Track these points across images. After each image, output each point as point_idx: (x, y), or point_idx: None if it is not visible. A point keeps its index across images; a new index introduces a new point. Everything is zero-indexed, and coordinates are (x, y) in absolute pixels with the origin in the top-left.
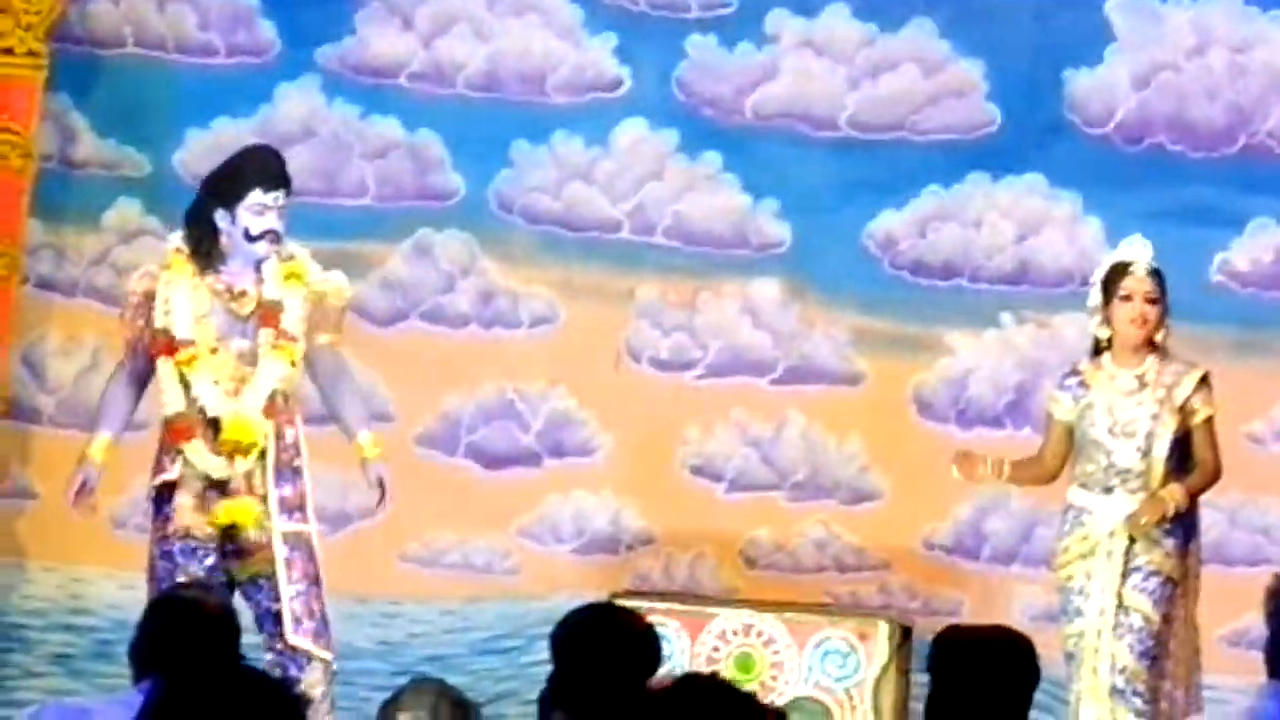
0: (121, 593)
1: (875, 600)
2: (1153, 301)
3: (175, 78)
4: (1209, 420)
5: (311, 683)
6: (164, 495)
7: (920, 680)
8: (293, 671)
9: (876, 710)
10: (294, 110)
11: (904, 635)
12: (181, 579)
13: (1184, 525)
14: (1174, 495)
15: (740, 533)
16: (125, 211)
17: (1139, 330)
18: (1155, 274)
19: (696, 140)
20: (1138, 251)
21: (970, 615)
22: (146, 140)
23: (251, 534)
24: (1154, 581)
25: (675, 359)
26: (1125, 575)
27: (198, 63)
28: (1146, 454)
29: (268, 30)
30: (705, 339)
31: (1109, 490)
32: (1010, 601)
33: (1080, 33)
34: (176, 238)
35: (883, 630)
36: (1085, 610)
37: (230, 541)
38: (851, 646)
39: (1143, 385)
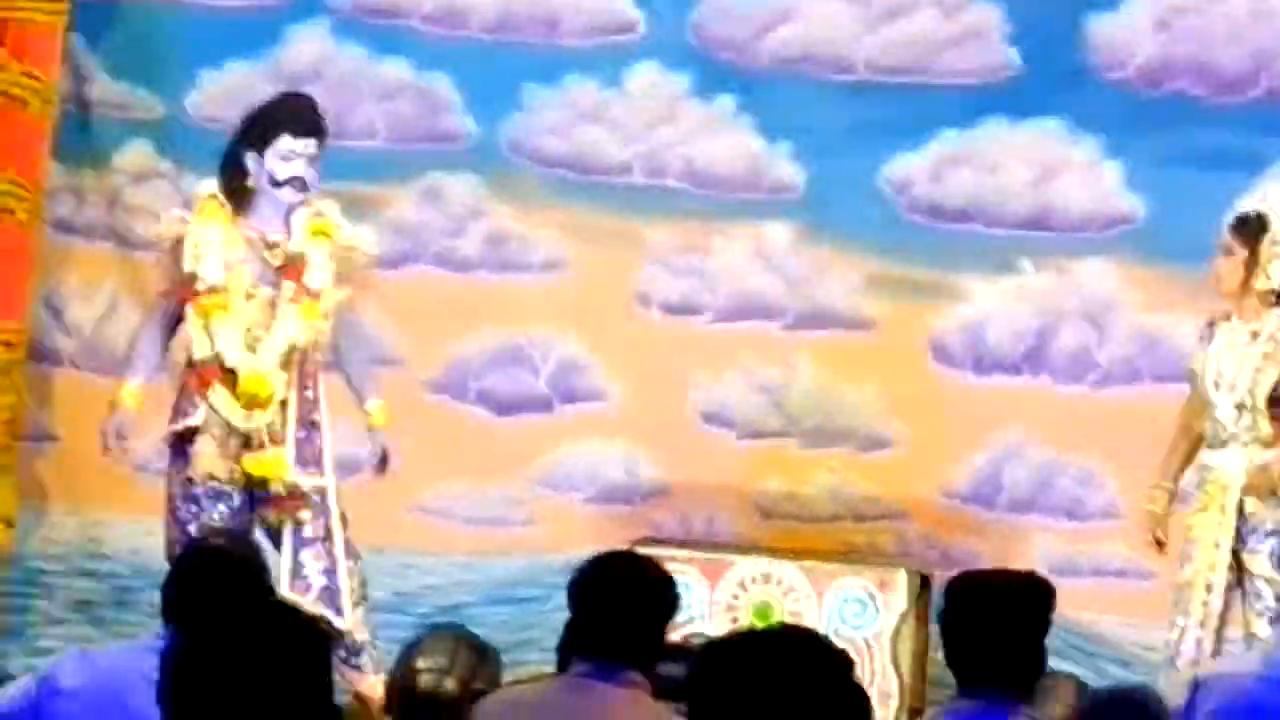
0: (142, 538)
1: (892, 549)
2: (1226, 254)
3: (187, 20)
4: None
5: None
6: (185, 439)
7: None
8: None
9: (895, 659)
10: (304, 52)
11: (923, 584)
12: (205, 523)
13: None
14: None
15: (753, 481)
16: (136, 153)
17: (1216, 288)
18: (1238, 224)
19: (710, 83)
20: (1245, 203)
21: (988, 565)
22: (159, 82)
23: (280, 486)
24: (1273, 541)
25: (686, 303)
26: (1242, 536)
27: (210, 4)
28: (1248, 408)
29: None
30: (716, 283)
31: (1224, 444)
32: (1029, 551)
33: None
34: (209, 184)
35: (902, 579)
36: (1194, 556)
37: (260, 490)
38: (871, 595)
39: (1254, 338)
